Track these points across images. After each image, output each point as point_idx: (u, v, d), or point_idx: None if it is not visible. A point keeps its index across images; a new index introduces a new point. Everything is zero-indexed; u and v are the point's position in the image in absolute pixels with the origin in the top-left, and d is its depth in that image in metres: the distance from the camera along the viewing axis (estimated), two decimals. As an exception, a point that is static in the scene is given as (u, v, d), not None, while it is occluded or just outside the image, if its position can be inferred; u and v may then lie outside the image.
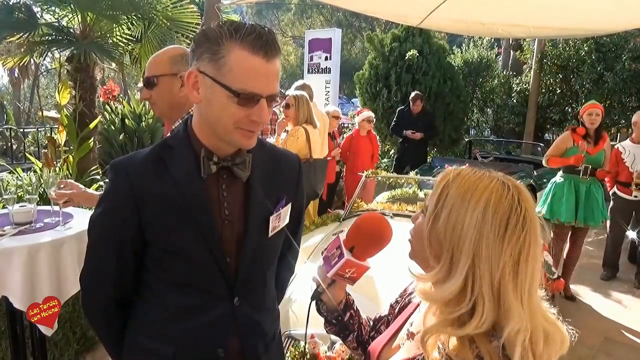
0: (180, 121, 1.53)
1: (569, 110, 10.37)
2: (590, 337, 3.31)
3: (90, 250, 1.22)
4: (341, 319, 1.17)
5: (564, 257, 4.31)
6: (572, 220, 4.05)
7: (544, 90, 10.55)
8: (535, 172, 6.92)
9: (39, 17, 5.32)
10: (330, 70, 8.43)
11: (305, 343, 1.56)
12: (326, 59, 8.47)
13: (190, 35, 5.75)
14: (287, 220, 1.29)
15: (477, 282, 0.81)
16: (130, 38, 5.39)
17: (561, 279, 3.40)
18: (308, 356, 2.06)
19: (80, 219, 2.43)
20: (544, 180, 6.84)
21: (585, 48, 9.46)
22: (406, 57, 9.20)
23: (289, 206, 1.28)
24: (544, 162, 4.35)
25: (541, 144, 8.36)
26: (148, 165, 1.14)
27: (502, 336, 0.79)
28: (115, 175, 1.15)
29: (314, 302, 1.21)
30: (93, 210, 1.23)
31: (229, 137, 1.10)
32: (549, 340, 0.82)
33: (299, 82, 4.59)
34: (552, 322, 0.84)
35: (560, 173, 4.30)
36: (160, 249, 1.14)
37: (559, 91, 10.34)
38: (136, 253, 1.17)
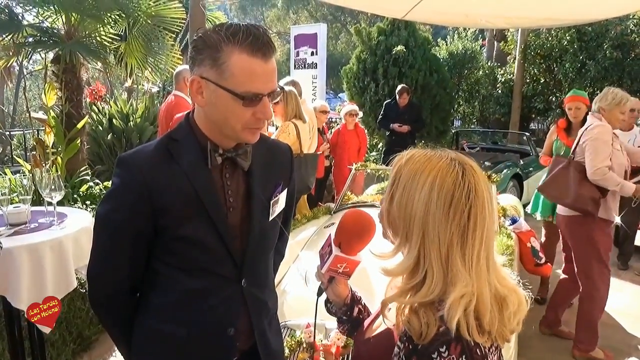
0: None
1: (553, 99, 10.52)
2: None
3: (100, 245, 1.24)
4: (350, 314, 1.21)
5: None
6: (547, 216, 3.91)
7: (528, 80, 10.69)
8: (521, 161, 7.02)
9: (21, 18, 5.27)
10: (316, 66, 8.45)
11: (314, 336, 1.62)
12: (312, 54, 8.50)
13: (176, 31, 5.73)
14: (284, 205, 1.37)
15: (427, 254, 0.88)
16: (115, 37, 5.35)
17: (548, 263, 3.47)
18: (304, 345, 2.11)
19: (75, 218, 2.45)
20: (530, 169, 6.95)
21: (568, 37, 9.60)
22: (393, 52, 9.26)
23: (285, 191, 1.37)
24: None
25: (527, 133, 8.48)
26: (157, 158, 1.19)
27: (445, 305, 0.85)
28: (125, 169, 1.19)
29: (320, 299, 1.24)
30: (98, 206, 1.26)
31: (237, 135, 1.18)
32: (506, 304, 0.88)
33: (288, 79, 4.59)
34: (509, 287, 0.91)
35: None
36: (171, 237, 1.19)
37: (543, 80, 10.49)
38: (148, 243, 1.21)
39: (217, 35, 1.09)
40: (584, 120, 3.75)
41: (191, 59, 1.14)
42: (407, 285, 0.91)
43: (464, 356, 0.82)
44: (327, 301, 1.24)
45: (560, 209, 3.28)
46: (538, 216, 4.01)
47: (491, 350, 0.86)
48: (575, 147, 3.16)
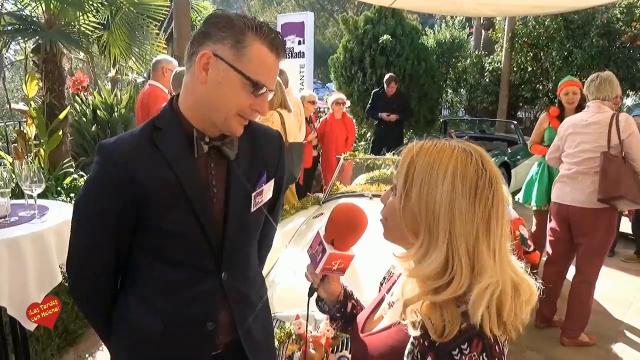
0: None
1: (540, 87, 10.57)
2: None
3: (80, 235, 1.20)
4: (344, 310, 1.18)
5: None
6: (542, 205, 3.87)
7: (515, 69, 10.71)
8: (509, 149, 7.05)
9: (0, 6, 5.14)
10: (304, 55, 8.38)
11: (306, 343, 1.58)
12: (299, 43, 8.42)
13: (160, 19, 5.61)
14: (269, 195, 1.33)
15: (456, 251, 0.83)
16: (98, 25, 5.23)
17: (536, 251, 3.49)
18: (294, 337, 2.09)
19: (57, 211, 2.39)
20: (518, 157, 6.99)
21: (555, 25, 9.62)
22: (380, 41, 9.21)
23: (272, 182, 1.32)
24: (529, 149, 4.19)
25: (514, 122, 8.52)
26: (139, 146, 1.14)
27: (469, 299, 0.81)
28: (106, 157, 1.14)
29: (312, 299, 1.20)
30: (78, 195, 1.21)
31: (225, 122, 1.15)
32: (519, 292, 0.85)
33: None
34: (520, 275, 0.88)
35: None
36: (152, 228, 1.16)
37: (530, 69, 10.52)
38: (128, 233, 1.18)
39: (242, 22, 1.10)
40: (579, 106, 3.74)
41: (206, 34, 1.11)
42: (434, 285, 0.85)
43: (484, 354, 0.80)
44: (318, 299, 1.20)
45: (575, 201, 3.15)
46: (533, 205, 3.99)
47: (505, 344, 0.85)
48: (621, 144, 3.00)
